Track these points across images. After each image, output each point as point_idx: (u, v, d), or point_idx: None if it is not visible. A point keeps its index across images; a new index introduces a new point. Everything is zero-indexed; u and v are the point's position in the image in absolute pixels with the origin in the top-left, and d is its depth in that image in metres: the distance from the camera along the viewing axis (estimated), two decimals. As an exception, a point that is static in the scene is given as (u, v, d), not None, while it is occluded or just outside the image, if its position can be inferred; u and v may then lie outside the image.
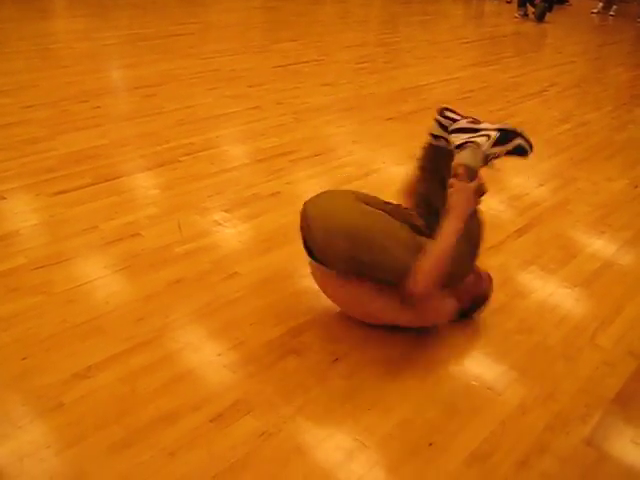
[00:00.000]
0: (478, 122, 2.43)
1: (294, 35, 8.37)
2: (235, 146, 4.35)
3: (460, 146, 2.34)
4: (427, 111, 5.38)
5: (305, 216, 2.36)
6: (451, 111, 2.51)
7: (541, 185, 4.02)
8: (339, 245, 2.21)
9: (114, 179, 3.71)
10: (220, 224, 3.25)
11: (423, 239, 2.32)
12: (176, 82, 5.78)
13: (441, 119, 2.49)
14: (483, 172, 2.33)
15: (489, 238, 3.26)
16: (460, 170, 2.29)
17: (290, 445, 1.96)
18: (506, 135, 2.38)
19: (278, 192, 3.65)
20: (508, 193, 3.85)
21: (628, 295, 2.86)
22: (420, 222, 2.47)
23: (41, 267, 2.81)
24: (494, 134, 2.35)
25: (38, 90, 5.35)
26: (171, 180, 3.74)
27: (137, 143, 4.26)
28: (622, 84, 6.85)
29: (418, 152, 2.60)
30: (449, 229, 2.23)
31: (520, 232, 3.37)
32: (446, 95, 5.90)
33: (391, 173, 4.04)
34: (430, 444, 2.00)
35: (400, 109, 5.38)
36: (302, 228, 2.39)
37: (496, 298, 2.75)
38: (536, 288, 2.87)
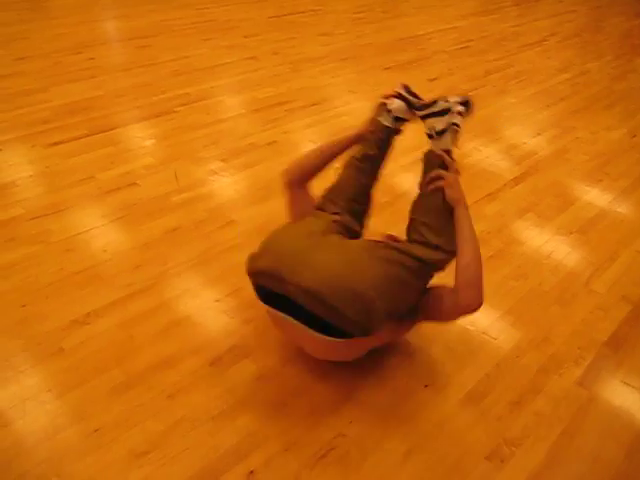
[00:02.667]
0: (438, 101, 2.13)
1: (290, -15, 8.22)
2: (231, 96, 4.31)
3: (442, 132, 2.07)
4: (425, 61, 5.32)
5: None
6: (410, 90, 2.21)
7: (538, 134, 4.00)
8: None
9: (110, 130, 3.69)
10: (216, 173, 3.25)
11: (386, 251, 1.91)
12: (170, 33, 5.70)
13: (410, 98, 2.18)
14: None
15: (486, 186, 3.27)
16: (447, 158, 2.05)
17: (287, 388, 1.99)
18: (466, 104, 2.13)
19: (274, 141, 3.63)
20: (505, 142, 3.84)
21: (623, 242, 2.87)
22: (356, 226, 2.13)
23: (38, 217, 2.81)
24: (462, 108, 2.10)
25: (30, 42, 5.27)
26: (167, 130, 3.72)
27: (132, 94, 4.22)
28: (623, 33, 6.77)
29: (365, 137, 2.22)
30: (469, 226, 1.94)
31: (517, 180, 3.37)
32: (444, 44, 5.82)
33: (388, 123, 4.02)
34: (426, 386, 2.03)
35: (398, 59, 5.32)
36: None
37: (493, 245, 2.77)
38: (532, 235, 2.88)
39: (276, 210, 2.91)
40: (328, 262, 1.79)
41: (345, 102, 4.29)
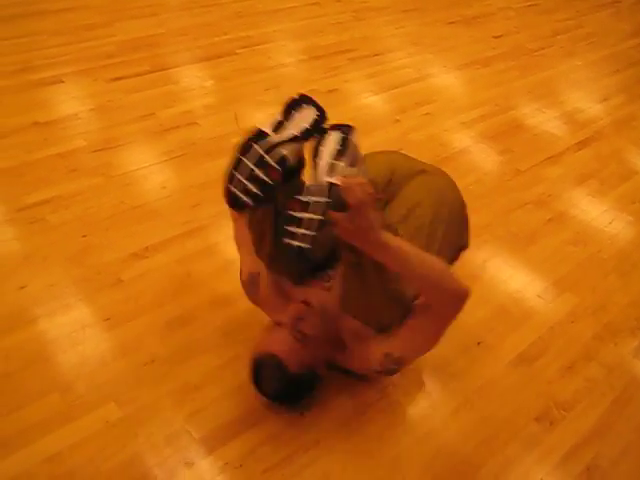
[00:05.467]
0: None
1: None
2: (293, 41, 4.25)
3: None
4: (491, 17, 5.17)
5: None
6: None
7: (605, 100, 3.88)
8: None
9: (171, 68, 3.68)
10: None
11: None
12: (233, -26, 5.62)
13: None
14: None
15: (548, 149, 3.20)
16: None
17: (340, 334, 2.00)
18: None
19: (336, 89, 3.58)
20: (570, 105, 3.73)
21: (688, 215, 2.79)
22: None
23: (100, 150, 2.84)
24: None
25: (94, -25, 5.26)
26: (228, 72, 3.70)
27: (194, 33, 4.19)
28: (700, -1, 6.47)
29: None
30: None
31: (580, 145, 3.28)
32: (511, 1, 5.63)
33: (450, 77, 3.94)
34: (478, 343, 2.02)
35: (462, 13, 5.17)
36: None
37: (553, 208, 2.72)
38: (593, 202, 2.82)
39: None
40: None
41: (408, 54, 4.21)
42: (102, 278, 2.14)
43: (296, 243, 1.39)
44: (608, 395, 1.90)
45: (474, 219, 2.56)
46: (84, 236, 2.33)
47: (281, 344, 1.63)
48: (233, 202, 1.46)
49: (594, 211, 2.75)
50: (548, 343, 2.05)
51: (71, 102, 3.25)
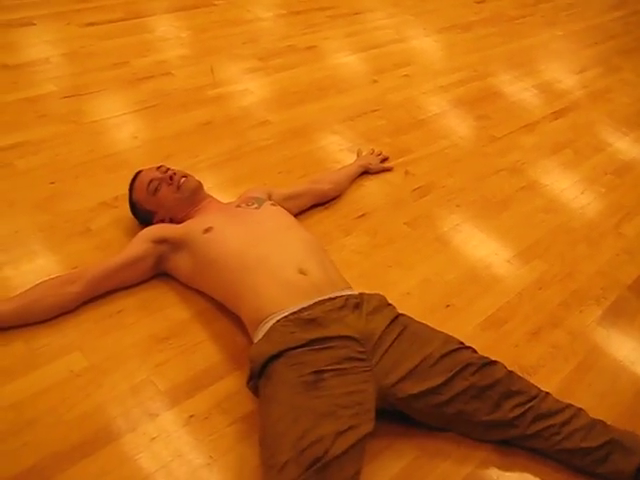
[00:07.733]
0: None
1: None
2: (272, -5, 4.18)
3: None
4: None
5: None
6: None
7: (583, 71, 3.88)
8: None
9: (147, 16, 3.60)
10: (253, 72, 3.17)
11: None
12: None
13: None
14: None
15: (525, 116, 3.20)
16: None
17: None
18: None
19: (314, 46, 3.53)
20: (548, 75, 3.73)
21: (658, 189, 2.82)
22: None
23: (71, 96, 2.77)
24: None
25: None
26: (205, 23, 3.63)
27: (171, -19, 4.09)
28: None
29: None
30: None
31: (556, 115, 3.29)
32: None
33: (430, 40, 3.91)
34: (447, 306, 2.03)
35: (446, -24, 5.11)
36: None
37: (526, 176, 2.73)
38: (566, 171, 2.83)
39: (311, 114, 2.87)
40: None
41: (388, 15, 4.16)
42: (70, 226, 2.10)
43: None
44: (571, 361, 1.93)
45: (448, 183, 2.57)
46: (52, 183, 2.28)
47: None
48: None
49: (567, 181, 2.77)
50: (516, 308, 2.07)
51: (42, 46, 3.16)
